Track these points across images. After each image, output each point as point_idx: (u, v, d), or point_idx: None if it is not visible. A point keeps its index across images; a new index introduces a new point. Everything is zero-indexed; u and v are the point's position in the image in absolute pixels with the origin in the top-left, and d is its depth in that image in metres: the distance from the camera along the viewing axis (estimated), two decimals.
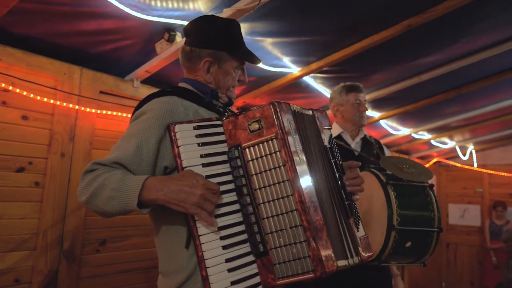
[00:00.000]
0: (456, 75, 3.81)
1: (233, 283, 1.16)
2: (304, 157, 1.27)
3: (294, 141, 1.25)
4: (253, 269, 1.20)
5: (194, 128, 1.26)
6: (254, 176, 1.23)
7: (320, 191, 1.29)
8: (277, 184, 1.21)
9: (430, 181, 2.11)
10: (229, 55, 1.52)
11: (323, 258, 1.14)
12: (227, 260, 1.17)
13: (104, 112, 2.88)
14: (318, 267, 1.13)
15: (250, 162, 1.24)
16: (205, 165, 1.23)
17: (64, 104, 2.65)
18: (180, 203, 1.15)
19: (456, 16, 2.75)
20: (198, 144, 1.24)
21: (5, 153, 2.43)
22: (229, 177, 1.26)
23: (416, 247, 1.96)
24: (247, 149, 1.25)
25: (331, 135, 1.51)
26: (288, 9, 2.47)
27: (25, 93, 2.48)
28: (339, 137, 2.57)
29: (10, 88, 2.42)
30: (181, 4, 2.35)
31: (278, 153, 1.21)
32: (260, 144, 1.24)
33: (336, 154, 1.47)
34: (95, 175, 1.20)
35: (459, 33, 3.10)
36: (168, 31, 2.55)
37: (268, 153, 1.23)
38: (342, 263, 1.22)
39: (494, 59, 3.54)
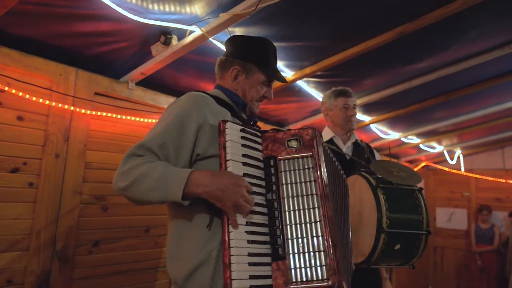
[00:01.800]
0: (445, 81, 3.90)
1: (251, 277, 1.20)
2: (327, 181, 1.40)
3: (323, 164, 1.39)
4: (268, 271, 1.25)
5: (241, 130, 1.37)
6: (284, 185, 1.34)
7: (335, 214, 1.42)
8: (305, 196, 1.31)
9: (419, 185, 2.16)
10: (257, 69, 1.62)
11: (338, 270, 1.22)
12: (250, 255, 1.22)
13: (98, 113, 2.88)
14: (332, 277, 1.20)
15: (283, 173, 1.35)
16: (244, 164, 1.33)
17: (60, 105, 2.65)
18: (222, 200, 1.22)
19: (447, 24, 2.82)
20: (242, 145, 1.34)
21: (0, 154, 2.42)
22: (261, 182, 1.36)
23: (405, 249, 2.00)
24: (281, 161, 1.37)
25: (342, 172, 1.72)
26: (283, 14, 2.51)
27: (20, 93, 2.47)
28: (330, 141, 2.61)
29: (6, 88, 2.42)
30: (178, 8, 2.38)
31: (311, 169, 1.34)
32: (295, 160, 1.36)
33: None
34: (138, 162, 1.26)
35: (449, 41, 3.18)
36: (164, 34, 2.57)
37: (301, 168, 1.35)
38: (345, 285, 1.34)
39: (483, 66, 3.63)
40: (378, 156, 2.71)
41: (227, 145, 1.30)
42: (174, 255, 1.38)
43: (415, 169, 7.45)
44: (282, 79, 1.70)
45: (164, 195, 1.22)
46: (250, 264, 1.21)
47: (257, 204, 1.30)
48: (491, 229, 6.85)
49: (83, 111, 2.78)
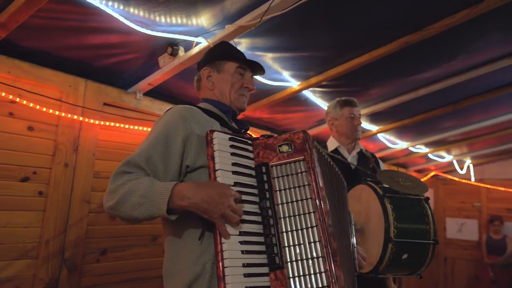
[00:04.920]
0: (453, 91, 3.88)
1: None
2: (322, 184, 1.36)
3: (316, 168, 1.35)
4: (266, 281, 1.21)
5: (229, 139, 1.34)
6: (278, 192, 1.30)
7: (333, 218, 1.38)
8: (300, 201, 1.28)
9: (425, 194, 2.16)
10: (225, 60, 1.64)
11: (338, 276, 1.19)
12: (244, 265, 1.19)
13: (107, 123, 2.93)
14: (333, 284, 1.17)
15: (275, 179, 1.32)
16: (234, 172, 1.30)
17: (69, 115, 2.71)
18: (208, 211, 1.20)
19: (453, 34, 2.82)
20: (231, 153, 1.32)
21: (11, 163, 2.48)
22: (254, 190, 1.32)
23: (412, 259, 2.00)
24: (273, 168, 1.33)
25: (339, 173, 1.68)
26: (288, 25, 2.54)
27: (31, 104, 2.54)
28: (335, 151, 2.62)
29: (17, 99, 2.48)
30: (184, 20, 2.42)
31: (304, 174, 1.30)
32: (287, 165, 1.33)
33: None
34: (124, 180, 1.25)
35: (456, 50, 3.18)
36: (171, 45, 2.61)
37: (294, 172, 1.32)
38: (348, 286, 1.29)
39: (490, 76, 3.61)
40: (382, 166, 2.71)
41: (215, 155, 1.28)
42: (169, 272, 1.36)
43: (424, 178, 7.40)
44: (254, 64, 1.68)
45: (150, 210, 1.21)
46: (245, 275, 1.17)
47: (250, 213, 1.28)
48: (503, 240, 6.74)
49: (92, 121, 2.83)
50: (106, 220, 2.94)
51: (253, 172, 1.34)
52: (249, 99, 3.75)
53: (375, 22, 2.66)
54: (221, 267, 1.16)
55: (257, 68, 1.71)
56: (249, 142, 1.39)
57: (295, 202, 1.28)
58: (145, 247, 3.18)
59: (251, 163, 1.36)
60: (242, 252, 1.20)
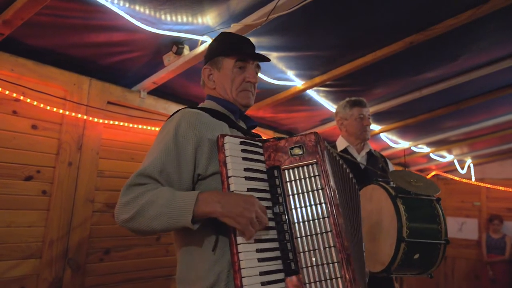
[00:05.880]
0: (455, 91, 3.89)
1: None
2: (334, 187, 1.35)
3: (329, 170, 1.33)
4: (282, 287, 1.20)
5: (240, 143, 1.31)
6: (291, 196, 1.28)
7: (346, 221, 1.36)
8: (313, 206, 1.26)
9: (436, 195, 2.16)
10: (223, 56, 1.54)
11: (353, 281, 1.18)
12: (261, 273, 1.17)
13: (111, 122, 2.92)
14: None
15: (288, 183, 1.30)
16: (247, 178, 1.27)
17: (73, 114, 2.69)
18: (237, 217, 1.16)
19: (457, 34, 2.82)
20: (243, 158, 1.29)
21: (14, 162, 2.46)
22: (267, 195, 1.29)
23: (424, 258, 2.01)
24: (286, 171, 1.31)
25: (349, 172, 1.65)
26: (294, 25, 2.53)
27: (35, 102, 2.52)
28: (345, 150, 2.62)
29: (21, 97, 2.47)
30: (190, 19, 2.41)
31: (317, 177, 1.28)
32: (300, 168, 1.30)
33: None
34: (141, 191, 1.20)
35: (459, 51, 3.17)
36: (176, 44, 2.60)
37: (307, 176, 1.29)
38: None
39: (493, 76, 3.61)
40: (391, 166, 2.72)
41: (228, 161, 1.25)
42: (184, 280, 1.33)
43: None
44: (254, 55, 1.56)
45: (173, 220, 1.16)
46: (263, 283, 1.16)
47: None
48: (502, 239, 6.76)
49: (96, 120, 2.82)
50: (110, 220, 2.93)
51: (265, 176, 1.32)
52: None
53: (380, 22, 2.66)
54: (239, 278, 1.14)
55: (261, 56, 1.60)
56: (260, 144, 1.36)
57: (309, 207, 1.26)
58: (149, 247, 3.17)
59: (262, 167, 1.33)
60: (259, 260, 1.18)
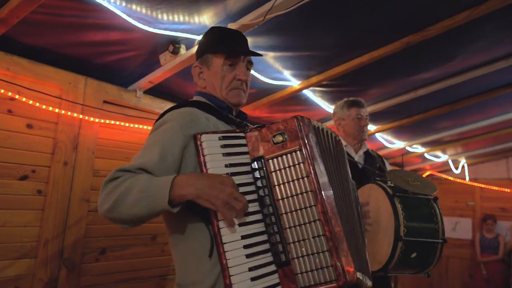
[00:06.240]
0: (450, 91, 3.91)
1: None
2: (324, 170, 1.30)
3: (315, 154, 1.29)
4: (275, 279, 1.19)
5: (219, 139, 1.28)
6: (277, 186, 1.25)
7: (339, 204, 1.31)
8: (300, 195, 1.23)
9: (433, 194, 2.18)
10: (212, 54, 1.49)
11: (346, 268, 1.16)
12: (251, 269, 1.17)
13: (107, 121, 2.91)
14: (340, 277, 1.14)
15: (273, 173, 1.26)
16: (229, 174, 1.24)
17: (69, 113, 2.68)
18: (211, 198, 1.14)
19: (452, 35, 2.84)
20: (223, 154, 1.26)
21: (9, 161, 2.44)
22: (252, 187, 1.27)
23: (421, 257, 2.01)
24: (270, 161, 1.27)
25: (343, 148, 1.57)
26: (290, 25, 2.54)
27: (30, 101, 2.50)
28: None
29: (17, 96, 2.45)
30: (186, 18, 2.41)
31: (301, 164, 1.24)
32: (284, 156, 1.26)
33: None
34: (119, 182, 1.18)
35: (455, 51, 3.20)
36: (173, 43, 2.60)
37: (291, 164, 1.25)
38: (359, 275, 1.23)
39: (487, 77, 3.64)
40: (388, 166, 2.72)
41: (207, 160, 1.23)
42: (185, 283, 1.32)
43: None
44: (244, 51, 1.49)
45: (150, 205, 1.14)
46: (253, 279, 1.15)
47: (250, 213, 1.23)
48: (496, 239, 6.81)
49: (91, 119, 2.80)
50: (105, 220, 2.88)
51: (249, 168, 1.29)
52: (249, 98, 3.75)
53: (376, 23, 2.67)
54: (227, 276, 1.14)
55: (252, 52, 1.54)
56: (242, 135, 1.32)
57: (295, 196, 1.23)
58: (144, 246, 3.16)
59: (246, 158, 1.30)
60: (247, 256, 1.17)
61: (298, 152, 1.25)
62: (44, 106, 2.57)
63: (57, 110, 2.64)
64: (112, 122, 2.95)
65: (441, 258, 2.11)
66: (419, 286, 7.53)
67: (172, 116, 1.35)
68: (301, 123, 1.29)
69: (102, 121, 2.88)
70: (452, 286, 7.70)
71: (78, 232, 2.72)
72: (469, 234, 7.63)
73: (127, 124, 3.04)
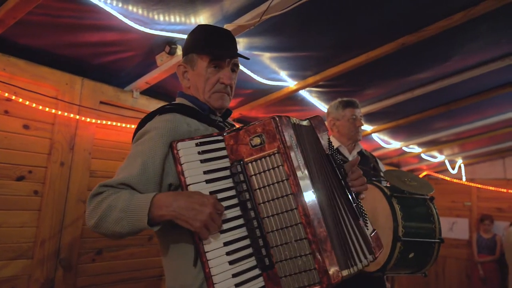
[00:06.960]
0: (446, 92, 3.93)
1: None
2: (306, 170, 1.27)
3: (295, 155, 1.25)
4: (260, 282, 1.20)
5: (196, 145, 1.25)
6: (258, 190, 1.23)
7: (323, 202, 1.29)
8: (280, 198, 1.20)
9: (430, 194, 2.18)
10: (197, 55, 1.44)
11: (329, 270, 1.15)
12: (234, 275, 1.17)
13: (103, 122, 2.91)
14: (324, 279, 1.14)
15: (253, 177, 1.24)
16: (208, 181, 1.23)
17: (65, 113, 2.68)
18: (189, 220, 1.14)
19: (448, 36, 2.85)
20: (201, 161, 1.24)
21: (6, 162, 2.45)
22: (232, 192, 1.26)
23: (418, 257, 2.02)
24: (249, 164, 1.25)
25: (328, 138, 1.54)
26: (287, 25, 2.54)
27: (27, 102, 2.50)
28: (336, 150, 2.63)
29: (13, 97, 2.45)
30: (183, 19, 2.41)
31: (280, 167, 1.21)
32: (263, 159, 1.24)
33: (338, 159, 1.50)
34: (102, 197, 1.19)
35: (450, 52, 3.21)
36: (169, 44, 2.60)
37: (270, 167, 1.23)
38: (345, 272, 1.22)
39: (483, 77, 3.65)
40: (382, 166, 2.73)
41: (184, 169, 1.21)
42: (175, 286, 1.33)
43: None
44: (230, 54, 1.44)
45: (131, 224, 1.15)
46: (237, 285, 1.16)
47: (232, 219, 1.22)
48: (493, 239, 6.82)
49: (88, 119, 2.81)
50: None
51: (228, 173, 1.27)
52: (246, 98, 3.74)
53: (372, 23, 2.68)
54: (211, 284, 1.15)
55: (237, 54, 1.49)
56: (221, 138, 1.29)
57: (276, 200, 1.21)
58: (141, 247, 3.16)
59: (225, 163, 1.27)
60: (230, 262, 1.17)
61: (277, 154, 1.22)
62: (40, 107, 2.57)
63: (53, 111, 2.64)
64: (109, 122, 2.95)
65: (438, 258, 2.11)
66: (416, 286, 7.54)
67: (153, 125, 1.33)
68: (279, 124, 1.25)
69: (99, 121, 2.88)
70: (449, 286, 7.71)
71: (74, 233, 2.72)
72: (466, 234, 7.64)
73: (123, 125, 3.05)
